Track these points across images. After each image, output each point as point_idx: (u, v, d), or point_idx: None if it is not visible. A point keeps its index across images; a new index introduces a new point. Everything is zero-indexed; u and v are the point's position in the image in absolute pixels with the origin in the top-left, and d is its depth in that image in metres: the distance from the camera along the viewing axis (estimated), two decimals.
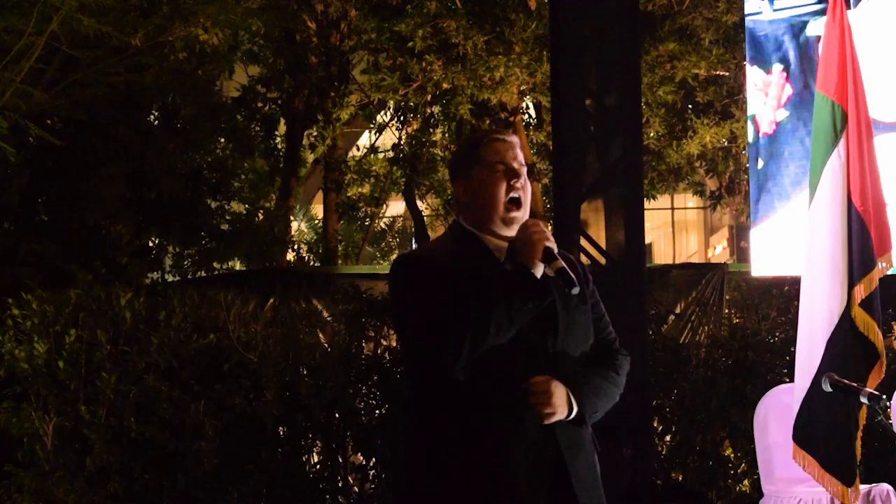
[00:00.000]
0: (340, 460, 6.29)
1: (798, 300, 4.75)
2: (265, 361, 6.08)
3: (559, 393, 2.70)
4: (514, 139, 2.90)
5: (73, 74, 7.94)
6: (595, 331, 2.89)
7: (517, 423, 2.69)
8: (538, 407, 2.68)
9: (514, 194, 2.82)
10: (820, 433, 4.51)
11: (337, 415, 6.19)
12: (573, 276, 2.70)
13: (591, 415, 2.79)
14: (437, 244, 3.00)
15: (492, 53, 11.36)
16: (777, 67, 6.23)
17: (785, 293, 6.93)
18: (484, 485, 2.67)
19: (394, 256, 22.16)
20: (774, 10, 6.25)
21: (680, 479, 6.46)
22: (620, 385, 2.90)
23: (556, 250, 2.73)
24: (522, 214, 2.84)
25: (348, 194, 14.20)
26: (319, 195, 16.86)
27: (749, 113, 6.34)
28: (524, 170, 2.86)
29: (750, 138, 6.37)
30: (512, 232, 2.83)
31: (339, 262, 14.43)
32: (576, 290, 2.71)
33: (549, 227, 2.87)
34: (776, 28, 6.21)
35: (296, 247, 14.57)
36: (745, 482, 6.42)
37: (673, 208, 26.94)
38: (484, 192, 2.83)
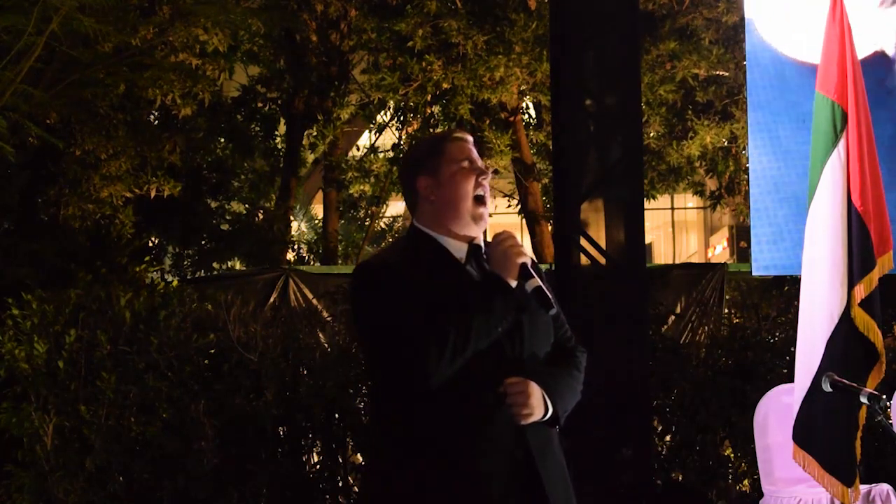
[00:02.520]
0: (340, 460, 6.29)
1: (798, 300, 4.75)
2: (265, 361, 6.08)
3: (536, 394, 2.70)
4: (471, 139, 2.90)
5: (73, 74, 7.93)
6: (553, 329, 2.89)
7: (487, 425, 2.67)
8: (516, 408, 2.67)
9: (480, 191, 2.81)
10: (820, 433, 4.51)
11: (337, 415, 6.19)
12: (549, 295, 2.70)
13: (563, 414, 2.78)
14: (397, 249, 2.95)
15: (492, 53, 11.36)
16: None
17: (785, 293, 6.93)
18: (457, 487, 2.65)
19: None
20: None
21: (680, 479, 6.46)
22: (582, 382, 2.90)
23: (530, 265, 2.72)
24: (487, 212, 2.84)
25: (350, 191, 14.21)
26: (319, 195, 16.87)
27: None
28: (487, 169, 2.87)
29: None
30: (477, 230, 2.82)
31: (339, 262, 14.44)
32: (553, 312, 2.71)
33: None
34: None
35: (296, 247, 14.58)
36: (745, 482, 6.42)
37: (673, 208, 26.96)
38: (453, 187, 2.80)
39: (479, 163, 2.85)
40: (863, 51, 5.08)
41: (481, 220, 2.82)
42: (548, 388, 2.73)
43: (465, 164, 2.82)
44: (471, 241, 2.82)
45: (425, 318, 2.63)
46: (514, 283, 2.71)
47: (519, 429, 2.69)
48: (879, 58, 5.98)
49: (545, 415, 2.72)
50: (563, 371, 2.84)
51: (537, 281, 2.70)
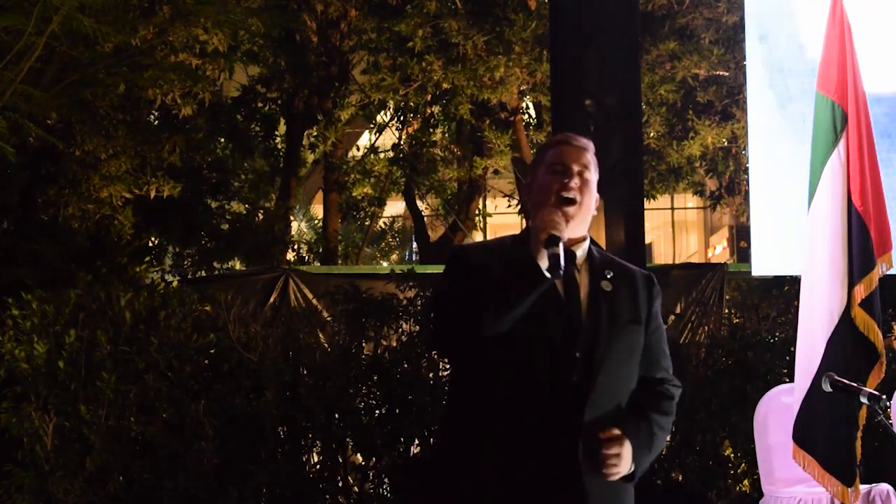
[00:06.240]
0: (340, 460, 6.29)
1: (798, 300, 4.75)
2: (265, 361, 6.08)
3: (628, 454, 2.66)
4: (584, 143, 2.90)
5: (73, 74, 7.92)
6: (651, 353, 2.84)
7: (536, 427, 2.64)
8: (607, 466, 2.64)
9: (565, 194, 2.79)
10: (820, 433, 4.51)
11: (337, 415, 6.19)
12: (562, 264, 2.64)
13: (639, 475, 2.74)
14: (499, 241, 2.98)
15: (492, 53, 11.36)
16: None
17: (785, 293, 6.93)
18: (495, 487, 2.64)
19: (393, 257, 22.22)
20: None
21: (680, 479, 6.46)
22: (669, 431, 2.87)
23: (562, 239, 2.68)
24: (578, 214, 2.80)
25: (353, 194, 14.21)
26: (319, 195, 16.87)
27: None
28: (588, 173, 2.84)
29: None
30: (570, 234, 2.78)
31: (339, 262, 14.44)
32: (558, 276, 2.65)
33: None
34: None
35: (296, 247, 14.59)
36: (745, 482, 6.41)
37: (673, 208, 26.95)
38: (540, 192, 2.83)
39: (575, 165, 2.83)
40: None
41: (568, 222, 2.78)
42: (637, 446, 2.69)
43: (558, 167, 2.83)
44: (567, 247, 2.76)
45: (462, 297, 2.66)
46: (544, 258, 2.67)
47: (573, 439, 2.63)
48: None
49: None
50: (656, 418, 2.79)
51: (558, 250, 2.65)
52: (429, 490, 2.77)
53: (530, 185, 2.90)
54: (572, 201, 2.79)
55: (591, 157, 2.87)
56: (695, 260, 25.21)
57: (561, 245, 2.67)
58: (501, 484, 2.63)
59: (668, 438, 2.87)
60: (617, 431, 2.65)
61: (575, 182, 2.81)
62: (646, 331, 2.84)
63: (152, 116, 10.91)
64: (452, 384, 2.88)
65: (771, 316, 6.80)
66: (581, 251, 2.83)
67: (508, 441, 2.64)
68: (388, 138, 15.27)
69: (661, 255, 27.75)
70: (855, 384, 3.77)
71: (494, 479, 2.63)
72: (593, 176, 2.86)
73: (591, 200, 2.86)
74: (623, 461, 2.65)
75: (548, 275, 2.66)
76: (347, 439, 6.26)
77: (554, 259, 2.64)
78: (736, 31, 11.25)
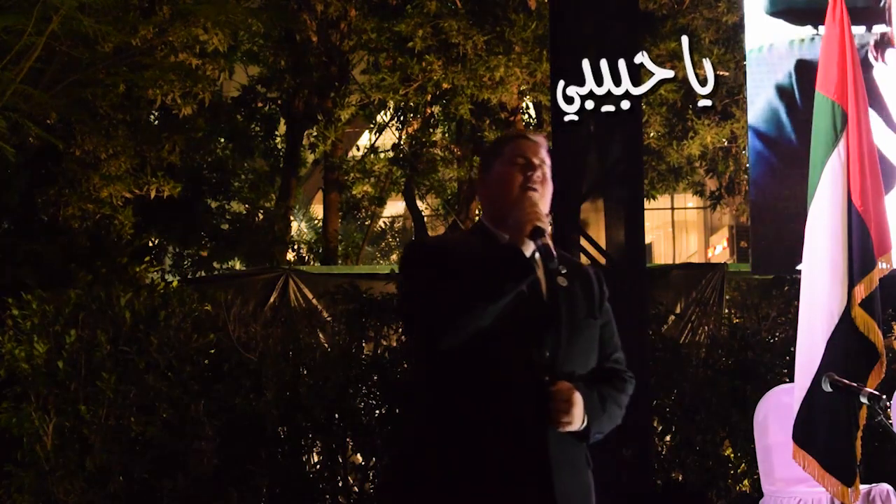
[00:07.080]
0: (340, 460, 6.29)
1: (798, 300, 4.75)
2: (265, 361, 6.08)
3: (579, 404, 2.69)
4: (542, 140, 2.92)
5: (73, 74, 7.93)
6: (605, 348, 2.89)
7: (505, 426, 2.66)
8: (558, 414, 2.67)
9: (530, 186, 2.82)
10: (820, 433, 4.51)
11: (337, 415, 6.19)
12: (554, 253, 2.67)
13: (595, 434, 2.78)
14: (454, 235, 3.01)
15: (492, 53, 11.36)
16: None
17: (785, 293, 6.93)
18: (465, 483, 2.65)
19: (394, 256, 22.24)
20: None
21: (680, 479, 6.46)
22: (624, 409, 2.90)
23: (547, 231, 2.70)
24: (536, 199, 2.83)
25: (353, 192, 14.22)
26: (319, 195, 16.87)
27: None
28: (546, 168, 2.86)
29: None
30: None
31: (339, 262, 14.45)
32: (553, 265, 2.69)
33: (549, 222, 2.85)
34: None
35: (296, 247, 14.59)
36: (745, 482, 6.41)
37: (673, 208, 26.94)
38: (501, 184, 2.84)
39: (535, 159, 2.85)
40: None
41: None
42: (589, 402, 2.73)
43: (518, 160, 2.85)
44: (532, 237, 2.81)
45: (438, 289, 2.65)
46: (529, 249, 2.68)
47: (541, 436, 2.68)
48: None
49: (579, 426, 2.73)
50: (610, 394, 2.83)
51: (546, 240, 2.67)
52: (398, 488, 2.77)
53: (485, 178, 2.91)
54: (535, 193, 2.82)
55: (545, 153, 2.90)
56: (695, 260, 25.21)
57: (547, 236, 2.70)
58: (472, 478, 2.65)
59: (622, 414, 2.88)
60: (567, 384, 2.69)
61: (538, 175, 2.84)
62: (603, 327, 2.90)
63: (152, 116, 10.91)
64: (420, 380, 2.83)
65: (771, 316, 6.81)
66: None
67: (477, 437, 2.66)
68: (388, 138, 15.28)
69: (661, 255, 27.74)
70: (855, 384, 3.77)
71: (464, 474, 2.65)
72: (549, 171, 2.88)
73: (549, 195, 2.89)
74: (574, 411, 2.68)
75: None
76: (347, 439, 6.26)
77: (545, 249, 2.67)
78: (736, 31, 11.24)
